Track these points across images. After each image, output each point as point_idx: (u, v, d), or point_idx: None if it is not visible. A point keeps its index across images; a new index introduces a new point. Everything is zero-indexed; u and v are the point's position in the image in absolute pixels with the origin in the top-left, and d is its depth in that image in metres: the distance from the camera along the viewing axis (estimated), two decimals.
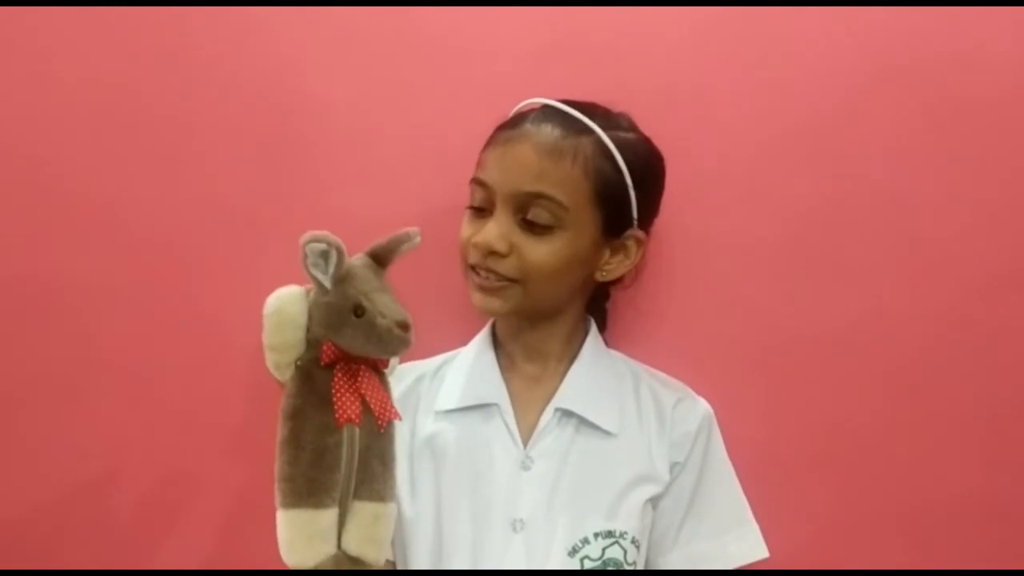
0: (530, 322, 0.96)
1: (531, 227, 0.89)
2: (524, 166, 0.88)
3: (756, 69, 1.06)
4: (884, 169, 1.05)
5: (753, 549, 0.97)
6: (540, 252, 0.89)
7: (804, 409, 1.05)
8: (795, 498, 1.04)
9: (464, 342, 1.02)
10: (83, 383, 1.09)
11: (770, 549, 0.98)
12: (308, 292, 0.81)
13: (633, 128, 0.95)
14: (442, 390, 0.98)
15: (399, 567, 0.94)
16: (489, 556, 0.90)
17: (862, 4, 1.05)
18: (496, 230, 0.89)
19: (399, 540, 0.93)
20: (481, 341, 1.00)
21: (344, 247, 0.78)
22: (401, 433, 0.95)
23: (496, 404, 0.95)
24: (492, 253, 0.89)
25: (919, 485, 1.04)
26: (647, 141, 0.95)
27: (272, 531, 0.93)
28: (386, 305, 0.80)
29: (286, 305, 0.80)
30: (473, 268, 0.92)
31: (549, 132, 0.89)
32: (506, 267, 0.90)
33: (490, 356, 0.98)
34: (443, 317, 1.06)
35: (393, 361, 0.91)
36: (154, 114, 1.09)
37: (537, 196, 0.88)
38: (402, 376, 0.99)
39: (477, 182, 0.92)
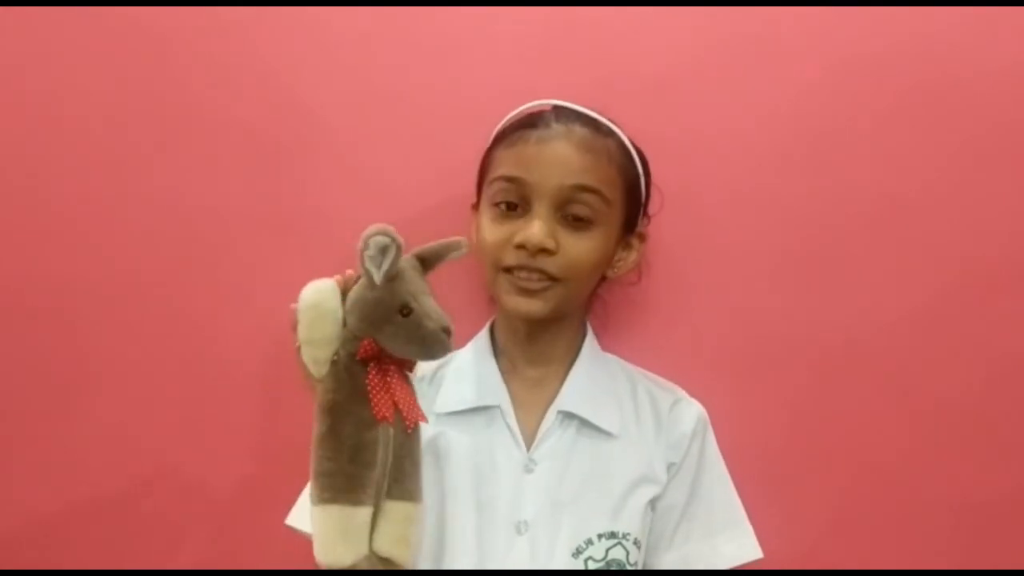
0: (540, 325, 0.95)
1: (572, 223, 0.90)
2: (566, 161, 0.89)
3: (755, 72, 1.07)
4: (880, 172, 1.06)
5: (747, 550, 0.98)
6: (581, 248, 0.90)
7: (801, 411, 1.06)
8: (792, 501, 1.05)
9: (461, 344, 1.01)
10: (81, 383, 1.08)
11: (766, 551, 0.98)
12: (338, 284, 0.81)
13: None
14: (441, 393, 0.98)
15: None
16: (493, 558, 0.90)
17: (862, 4, 1.05)
18: (544, 227, 0.88)
19: None
20: (479, 344, 1.00)
21: (403, 244, 0.77)
22: None
23: (498, 407, 0.95)
24: (542, 251, 0.88)
25: (914, 487, 1.05)
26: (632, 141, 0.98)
27: (271, 531, 0.94)
28: (432, 308, 0.79)
29: (324, 299, 0.79)
30: (510, 270, 0.91)
31: (580, 131, 0.91)
32: (552, 265, 0.89)
33: (490, 359, 0.98)
34: None
35: (420, 368, 0.90)
36: (155, 114, 1.08)
37: (582, 189, 0.89)
38: None
39: (509, 179, 0.90)
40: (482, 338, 1.00)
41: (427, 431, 0.95)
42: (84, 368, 1.07)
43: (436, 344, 0.79)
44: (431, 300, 0.80)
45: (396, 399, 0.79)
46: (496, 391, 0.96)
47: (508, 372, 0.98)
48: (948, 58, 1.06)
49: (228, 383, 1.06)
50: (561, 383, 0.96)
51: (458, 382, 0.98)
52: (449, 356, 1.00)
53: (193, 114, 1.08)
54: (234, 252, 1.07)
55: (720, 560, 0.97)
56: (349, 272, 0.81)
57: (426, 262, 0.83)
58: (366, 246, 0.76)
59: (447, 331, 0.79)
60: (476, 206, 0.98)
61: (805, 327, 1.07)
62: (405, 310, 0.78)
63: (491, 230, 0.92)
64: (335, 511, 0.76)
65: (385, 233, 0.76)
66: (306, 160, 1.08)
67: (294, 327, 0.79)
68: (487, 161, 0.96)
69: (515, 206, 0.91)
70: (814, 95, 1.07)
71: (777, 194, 1.07)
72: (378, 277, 0.77)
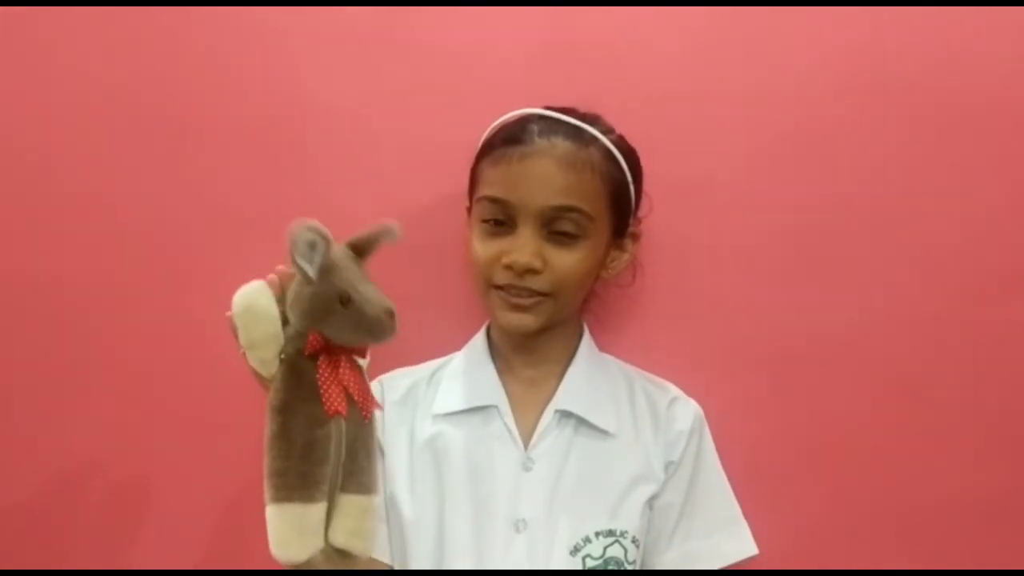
0: (536, 330, 0.95)
1: (558, 238, 0.90)
2: (549, 181, 0.89)
3: (751, 71, 1.06)
4: (879, 172, 1.05)
5: (744, 547, 0.98)
6: (569, 262, 0.91)
7: (797, 410, 1.06)
8: (788, 500, 1.05)
9: (458, 346, 1.02)
10: (81, 383, 1.09)
11: (762, 550, 0.98)
12: (273, 283, 0.82)
13: (612, 128, 0.97)
14: (439, 394, 0.98)
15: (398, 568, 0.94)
16: (491, 556, 0.90)
17: (858, 4, 1.05)
18: (529, 248, 0.89)
19: (399, 542, 0.93)
20: (476, 346, 1.00)
21: (331, 237, 0.78)
22: (399, 437, 0.96)
23: (495, 406, 0.95)
24: (528, 271, 0.89)
25: (911, 486, 1.05)
26: (624, 138, 0.97)
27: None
28: (372, 294, 0.81)
29: (256, 299, 0.80)
30: (501, 288, 0.92)
31: (562, 145, 0.90)
32: (541, 283, 0.90)
33: (487, 361, 0.98)
34: (438, 320, 1.06)
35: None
36: (156, 114, 1.09)
37: (566, 209, 0.89)
38: (396, 382, 1.00)
39: (492, 200, 0.91)
40: (479, 340, 1.01)
41: (424, 432, 0.96)
42: (83, 367, 1.09)
43: (380, 328, 0.80)
44: (369, 286, 0.81)
45: (349, 390, 0.80)
46: (493, 391, 0.96)
47: (505, 373, 0.98)
48: (948, 58, 1.05)
49: (227, 383, 1.06)
50: (558, 383, 0.97)
51: (455, 383, 0.98)
52: (447, 358, 1.02)
53: (192, 114, 1.09)
54: (234, 252, 1.07)
55: (720, 557, 0.97)
56: (281, 268, 0.82)
57: (359, 249, 0.84)
58: (294, 244, 0.77)
59: (390, 313, 0.80)
60: (470, 211, 0.98)
61: (802, 326, 1.06)
62: (344, 299, 0.79)
63: (481, 247, 0.93)
64: (289, 509, 0.77)
65: (311, 228, 0.77)
66: (307, 160, 1.08)
67: (235, 335, 0.80)
68: (475, 174, 0.96)
69: (502, 222, 0.91)
70: (812, 95, 1.06)
71: (774, 194, 1.06)
72: (312, 272, 0.78)
